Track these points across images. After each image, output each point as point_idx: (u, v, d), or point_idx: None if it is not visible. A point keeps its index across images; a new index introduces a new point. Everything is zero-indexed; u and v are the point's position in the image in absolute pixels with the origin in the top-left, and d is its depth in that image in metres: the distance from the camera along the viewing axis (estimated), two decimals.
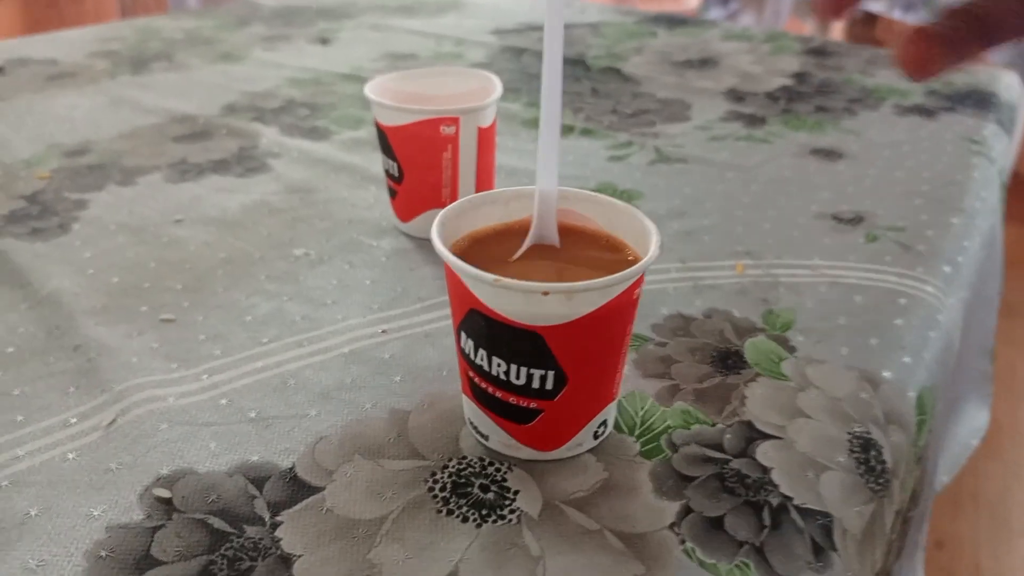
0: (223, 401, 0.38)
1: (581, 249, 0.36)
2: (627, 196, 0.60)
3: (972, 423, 0.74)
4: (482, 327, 0.32)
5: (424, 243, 0.53)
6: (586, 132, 0.72)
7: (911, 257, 0.52)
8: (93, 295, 0.48)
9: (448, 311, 0.46)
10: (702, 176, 0.63)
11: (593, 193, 0.37)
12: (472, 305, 0.32)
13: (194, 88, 0.86)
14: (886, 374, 0.41)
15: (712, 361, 0.42)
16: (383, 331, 0.44)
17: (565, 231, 0.36)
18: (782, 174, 0.64)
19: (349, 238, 0.54)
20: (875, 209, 0.58)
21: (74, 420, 0.37)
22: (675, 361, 0.42)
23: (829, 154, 0.67)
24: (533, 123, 0.74)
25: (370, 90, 0.50)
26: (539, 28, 1.08)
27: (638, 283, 0.32)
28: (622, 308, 0.32)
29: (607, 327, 0.32)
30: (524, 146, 0.69)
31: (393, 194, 0.54)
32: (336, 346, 0.43)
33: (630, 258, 0.35)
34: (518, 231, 0.37)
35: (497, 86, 0.52)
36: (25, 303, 0.47)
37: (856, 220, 0.56)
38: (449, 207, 0.36)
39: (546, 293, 0.30)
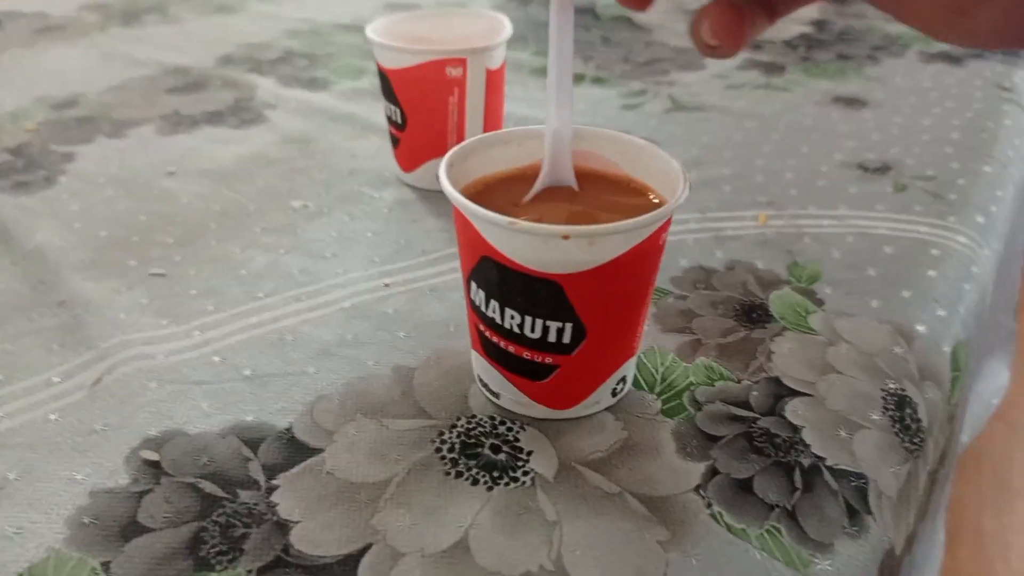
0: (216, 358, 0.36)
1: (600, 192, 0.33)
2: None
3: (995, 381, 0.71)
4: (495, 276, 0.29)
5: (428, 194, 0.51)
6: (597, 80, 0.69)
7: (942, 206, 0.49)
8: (80, 249, 0.45)
9: (456, 264, 0.43)
10: (720, 125, 0.60)
11: (611, 131, 0.34)
12: (484, 252, 0.29)
13: (188, 40, 0.83)
14: (920, 328, 0.38)
15: (735, 315, 0.39)
16: (386, 284, 0.42)
17: (582, 173, 0.34)
18: (803, 123, 0.61)
19: (349, 189, 0.51)
20: (903, 158, 0.55)
21: (57, 379, 0.35)
22: (696, 315, 0.39)
23: (852, 102, 0.64)
24: (541, 72, 0.71)
25: (372, 31, 0.47)
26: None
27: (665, 227, 0.30)
28: (647, 254, 0.29)
29: (631, 275, 0.29)
30: (533, 95, 0.66)
31: (396, 142, 0.51)
32: (336, 300, 0.40)
33: (655, 201, 0.32)
34: (532, 175, 0.34)
35: (507, 26, 0.49)
36: (8, 258, 0.44)
37: (883, 169, 0.53)
38: (457, 147, 0.33)
39: (566, 237, 0.27)
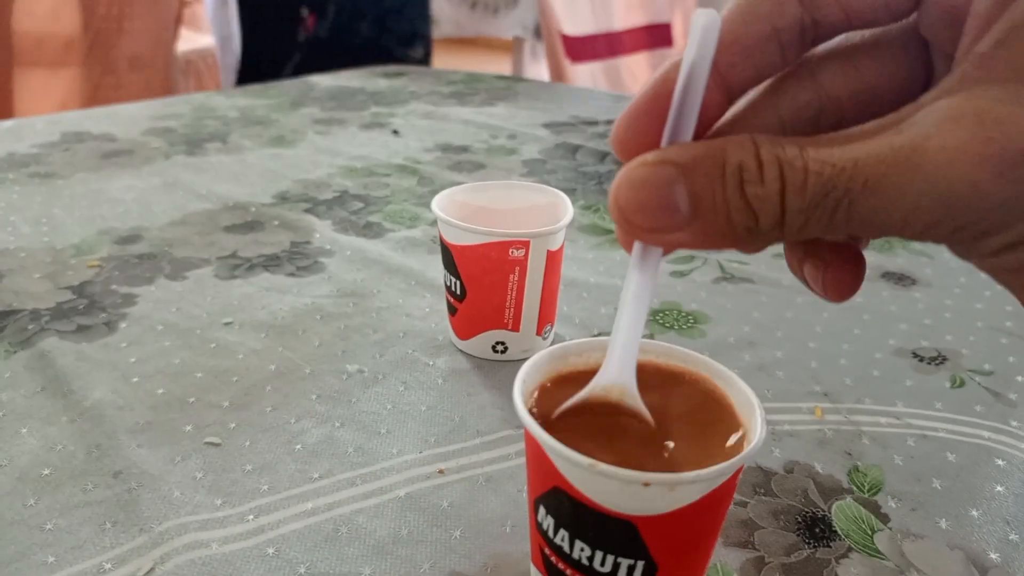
0: (270, 550, 0.36)
1: (673, 402, 0.32)
2: (693, 318, 0.57)
3: None
4: (567, 508, 0.29)
5: (482, 363, 0.51)
6: None
7: (1003, 407, 0.48)
8: (137, 408, 0.45)
9: (510, 450, 0.43)
10: (770, 299, 0.60)
11: (685, 351, 0.34)
12: (557, 483, 0.29)
13: (247, 172, 0.86)
14: (993, 556, 0.37)
15: (798, 528, 0.38)
16: (440, 471, 0.41)
17: (654, 370, 0.33)
18: (854, 300, 0.60)
19: (404, 354, 0.52)
20: (958, 347, 0.55)
21: (109, 566, 0.35)
22: (758, 527, 0.38)
23: (902, 279, 0.64)
24: (590, 228, 0.72)
25: (438, 206, 0.49)
26: (592, 123, 1.07)
27: (741, 469, 0.29)
28: (723, 495, 0.29)
29: (707, 515, 0.29)
30: (581, 254, 0.67)
31: (453, 311, 0.51)
32: (391, 487, 0.40)
33: (730, 429, 0.32)
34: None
35: (568, 208, 0.50)
36: (66, 415, 0.45)
37: (939, 360, 0.53)
38: (531, 361, 0.33)
39: (647, 484, 0.27)
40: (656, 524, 0.28)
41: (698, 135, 0.23)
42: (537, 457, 0.30)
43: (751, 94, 0.26)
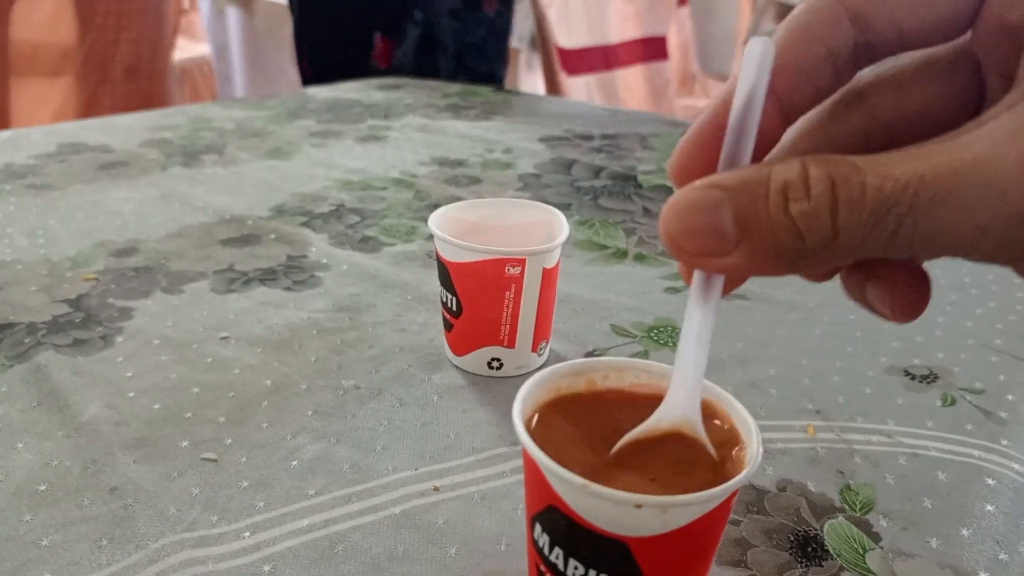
0: (266, 568, 0.36)
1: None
2: None
3: None
4: (561, 526, 0.29)
5: (477, 380, 0.51)
6: (640, 258, 0.70)
7: (993, 426, 0.49)
8: (133, 423, 0.45)
9: (506, 467, 0.43)
10: (763, 316, 0.61)
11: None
12: (552, 501, 0.29)
13: (244, 185, 0.86)
14: (983, 575, 0.37)
15: (791, 547, 0.38)
16: (436, 488, 0.41)
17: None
18: (846, 317, 0.61)
19: (400, 369, 0.52)
20: (949, 364, 0.55)
21: None
22: (751, 545, 0.38)
23: None
24: (585, 244, 0.73)
25: (435, 224, 0.49)
26: (587, 137, 1.08)
27: (736, 493, 0.29)
28: (718, 517, 0.29)
29: (701, 538, 0.29)
30: (576, 269, 0.68)
31: (449, 327, 0.52)
32: (387, 504, 0.40)
33: (724, 451, 0.32)
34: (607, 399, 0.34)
35: (564, 226, 0.50)
36: (62, 430, 0.45)
37: (931, 378, 0.54)
38: (532, 380, 0.33)
39: (639, 506, 0.27)
40: (649, 545, 0.28)
41: (756, 161, 0.23)
42: (533, 475, 0.30)
43: (801, 121, 0.26)
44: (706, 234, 0.21)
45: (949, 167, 0.19)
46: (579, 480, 0.27)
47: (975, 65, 0.24)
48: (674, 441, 0.30)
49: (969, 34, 0.24)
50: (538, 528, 0.31)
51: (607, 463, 0.30)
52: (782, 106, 0.24)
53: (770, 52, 0.23)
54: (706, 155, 0.24)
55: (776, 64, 0.23)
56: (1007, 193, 0.19)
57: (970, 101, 0.25)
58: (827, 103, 0.25)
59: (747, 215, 0.21)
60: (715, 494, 0.27)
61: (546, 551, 0.30)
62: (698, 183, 0.22)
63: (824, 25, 0.23)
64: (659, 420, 0.30)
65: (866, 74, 0.25)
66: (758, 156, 0.24)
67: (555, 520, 0.29)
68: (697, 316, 0.26)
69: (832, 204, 0.20)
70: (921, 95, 0.25)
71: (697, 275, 0.26)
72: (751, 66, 0.23)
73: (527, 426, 0.32)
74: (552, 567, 0.30)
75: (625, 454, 0.30)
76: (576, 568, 0.29)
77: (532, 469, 0.30)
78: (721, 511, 0.29)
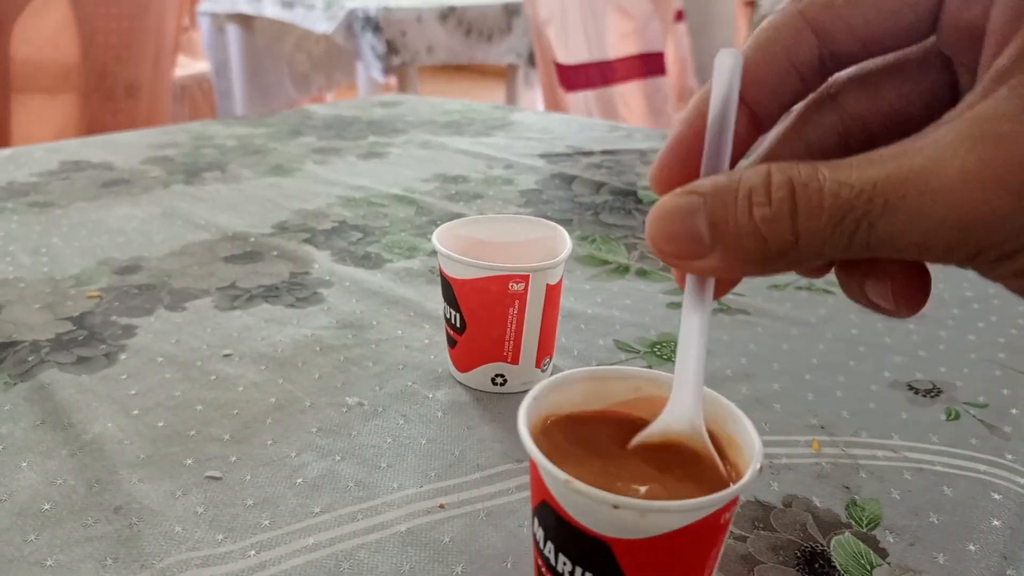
0: None
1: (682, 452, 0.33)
2: None
3: None
4: (552, 521, 0.30)
5: (481, 396, 0.51)
6: (641, 273, 0.71)
7: (998, 440, 0.49)
8: (138, 442, 0.45)
9: (509, 485, 0.43)
10: (766, 331, 0.61)
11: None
12: (544, 496, 0.30)
13: (246, 202, 0.87)
14: None
15: (798, 563, 0.38)
16: (441, 505, 0.41)
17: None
18: (849, 332, 0.61)
19: (403, 386, 0.52)
20: (952, 379, 0.55)
21: None
22: (758, 562, 0.38)
23: None
24: (587, 259, 0.73)
25: (438, 240, 0.49)
26: (587, 153, 1.08)
27: (729, 507, 0.29)
28: (706, 532, 0.29)
29: (686, 550, 0.29)
30: (578, 285, 0.68)
31: (452, 343, 0.52)
32: (392, 522, 0.40)
33: (727, 468, 0.32)
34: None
35: (567, 242, 0.51)
36: (66, 448, 0.45)
37: (934, 392, 0.54)
38: (547, 383, 0.33)
39: (616, 507, 0.27)
40: (632, 548, 0.28)
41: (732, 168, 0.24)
42: (533, 470, 0.30)
43: (779, 125, 0.27)
44: (684, 238, 0.23)
45: (899, 174, 0.20)
46: (562, 475, 0.28)
47: (946, 62, 0.25)
48: (681, 447, 0.31)
49: (935, 36, 0.24)
50: (535, 522, 0.31)
51: (625, 457, 0.31)
52: (752, 114, 0.25)
53: (739, 63, 0.24)
54: (684, 164, 0.25)
55: (744, 77, 0.24)
56: (951, 203, 0.19)
57: (945, 97, 0.25)
58: (801, 106, 0.26)
59: (718, 220, 0.22)
60: (700, 504, 0.27)
61: (541, 545, 0.31)
62: (679, 190, 0.23)
63: (787, 40, 0.24)
64: (667, 425, 0.30)
65: (840, 76, 0.26)
66: (734, 163, 0.25)
67: (546, 514, 0.30)
68: (696, 320, 0.27)
69: (792, 209, 0.21)
70: (894, 93, 0.26)
71: (689, 279, 0.27)
72: (722, 78, 0.24)
73: (544, 423, 0.32)
74: (546, 561, 0.31)
75: (641, 452, 0.31)
76: (565, 564, 0.30)
77: (532, 464, 0.30)
78: (711, 522, 0.29)
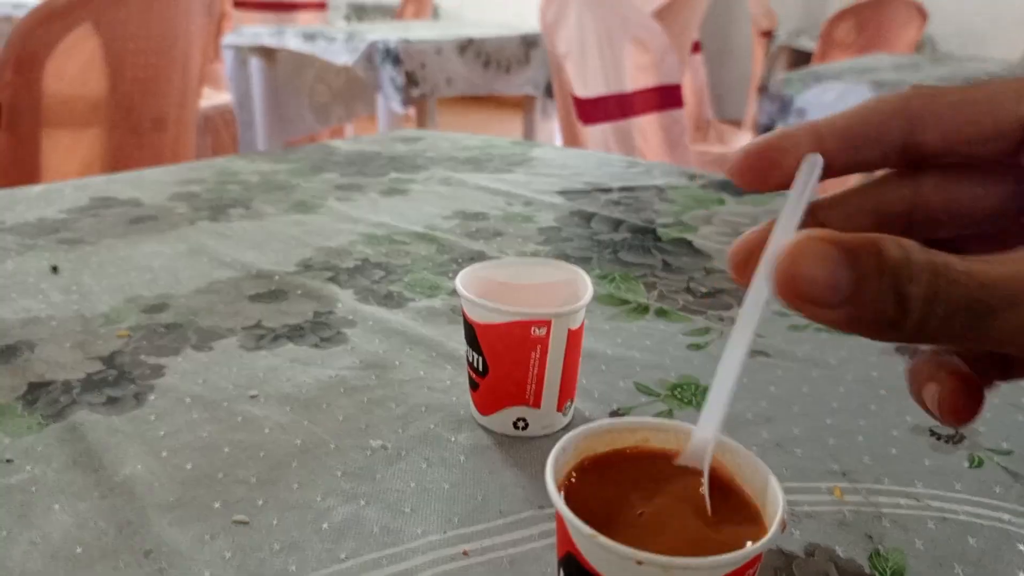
0: None
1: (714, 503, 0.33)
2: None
3: None
4: (575, 574, 0.30)
5: (503, 440, 0.52)
6: (661, 313, 0.71)
7: (1022, 488, 0.48)
8: (167, 484, 0.46)
9: (531, 531, 0.43)
10: (786, 373, 0.61)
11: (731, 442, 0.35)
12: (569, 548, 0.30)
13: (270, 239, 0.88)
14: None
15: None
16: (465, 552, 0.42)
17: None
18: (869, 374, 0.62)
19: (426, 429, 0.53)
20: (975, 424, 0.55)
21: None
22: None
23: (916, 353, 0.65)
24: (607, 299, 0.74)
25: (462, 284, 0.50)
26: (605, 190, 1.09)
27: (754, 562, 0.30)
28: None
29: None
30: (598, 325, 0.68)
31: (475, 386, 0.52)
32: (417, 569, 0.40)
33: (751, 524, 0.32)
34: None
35: (588, 286, 0.51)
36: (97, 490, 0.46)
37: (957, 438, 0.53)
38: (575, 433, 0.34)
39: (640, 563, 0.28)
40: None
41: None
42: (559, 521, 0.31)
43: (856, 177, 0.30)
44: (825, 286, 0.23)
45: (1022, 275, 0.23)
46: (588, 530, 0.28)
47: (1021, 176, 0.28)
48: (713, 491, 0.32)
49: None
50: (561, 572, 0.32)
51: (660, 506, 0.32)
52: (829, 165, 0.28)
53: (819, 166, 0.28)
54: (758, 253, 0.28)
55: (836, 132, 0.28)
56: None
57: (1010, 208, 0.29)
58: (887, 171, 0.30)
59: (862, 282, 0.23)
60: (725, 561, 0.28)
61: None
62: (822, 234, 0.24)
63: (886, 114, 0.28)
64: (692, 455, 0.32)
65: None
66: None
67: (572, 566, 0.31)
68: (740, 352, 0.29)
69: (933, 293, 0.23)
70: (966, 193, 0.29)
71: (750, 305, 0.28)
72: (804, 177, 0.27)
73: (569, 474, 0.33)
74: None
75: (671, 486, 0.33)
76: None
77: (558, 514, 0.31)
78: None
